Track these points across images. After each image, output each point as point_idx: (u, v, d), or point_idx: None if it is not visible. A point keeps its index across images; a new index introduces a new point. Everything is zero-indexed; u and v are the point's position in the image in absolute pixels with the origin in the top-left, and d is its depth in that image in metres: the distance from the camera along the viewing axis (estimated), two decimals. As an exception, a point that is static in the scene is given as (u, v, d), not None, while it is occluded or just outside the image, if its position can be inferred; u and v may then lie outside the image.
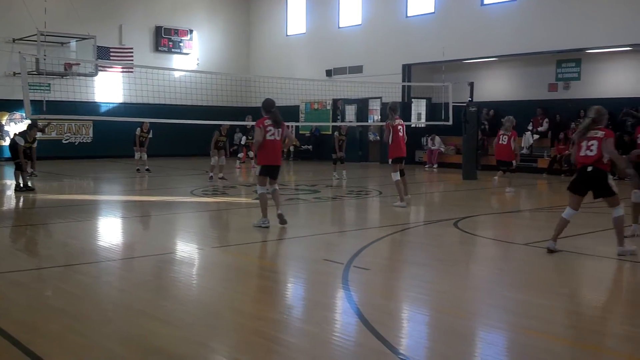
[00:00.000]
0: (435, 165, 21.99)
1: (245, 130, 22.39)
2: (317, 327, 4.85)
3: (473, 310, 5.45)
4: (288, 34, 27.95)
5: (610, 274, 6.88)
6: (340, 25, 25.65)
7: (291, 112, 25.19)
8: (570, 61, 20.04)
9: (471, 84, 18.50)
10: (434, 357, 4.39)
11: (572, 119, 19.14)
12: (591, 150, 7.09)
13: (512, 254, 7.83)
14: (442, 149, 22.42)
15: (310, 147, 26.06)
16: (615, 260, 7.23)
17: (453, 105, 18.55)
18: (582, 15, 18.12)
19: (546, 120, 20.13)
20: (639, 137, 9.43)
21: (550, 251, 7.23)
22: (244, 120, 19.22)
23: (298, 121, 26.15)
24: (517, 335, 4.80)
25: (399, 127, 11.56)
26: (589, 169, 7.12)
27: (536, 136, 20.12)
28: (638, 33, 17.03)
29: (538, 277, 6.59)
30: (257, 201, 9.45)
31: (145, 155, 19.15)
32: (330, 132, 24.91)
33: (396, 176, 11.48)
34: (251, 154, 18.15)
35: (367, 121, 24.49)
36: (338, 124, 21.19)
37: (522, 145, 19.00)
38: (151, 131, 19.25)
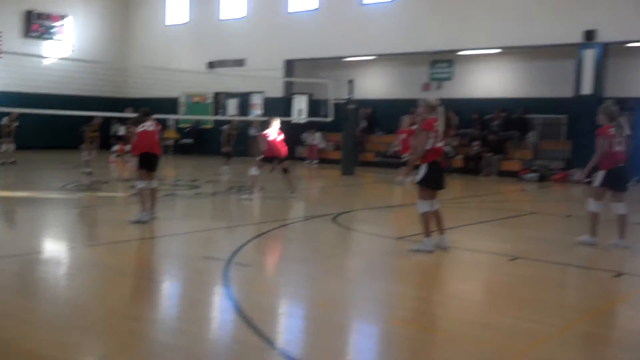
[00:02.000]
0: (315, 161, 22.34)
1: (123, 122, 21.65)
2: (195, 326, 4.82)
3: (348, 302, 5.64)
4: (167, 23, 27.28)
5: (479, 266, 7.32)
6: (222, 17, 25.39)
7: (171, 105, 24.67)
8: (444, 62, 21.04)
9: (351, 82, 18.96)
10: (311, 350, 4.50)
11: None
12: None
13: (386, 248, 8.13)
14: (322, 145, 22.82)
15: (191, 140, 25.64)
16: (484, 254, 7.73)
17: (333, 102, 18.93)
18: (456, 18, 19.06)
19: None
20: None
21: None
22: (122, 112, 18.58)
23: (178, 114, 25.64)
24: (388, 326, 5.03)
25: (268, 135, 11.95)
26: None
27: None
28: (506, 37, 18.17)
29: (409, 270, 6.90)
30: (134, 197, 9.20)
31: (13, 147, 18.06)
32: (211, 126, 24.64)
33: (253, 171, 11.95)
34: (127, 147, 17.63)
35: (249, 115, 24.44)
36: (221, 118, 20.99)
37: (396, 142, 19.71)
38: (18, 120, 18.17)
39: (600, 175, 7.93)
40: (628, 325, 5.16)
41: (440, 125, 7.35)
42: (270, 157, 12.08)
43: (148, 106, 9.86)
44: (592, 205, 8.02)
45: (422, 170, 7.29)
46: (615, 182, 7.91)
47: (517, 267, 7.11)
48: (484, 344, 4.55)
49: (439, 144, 7.32)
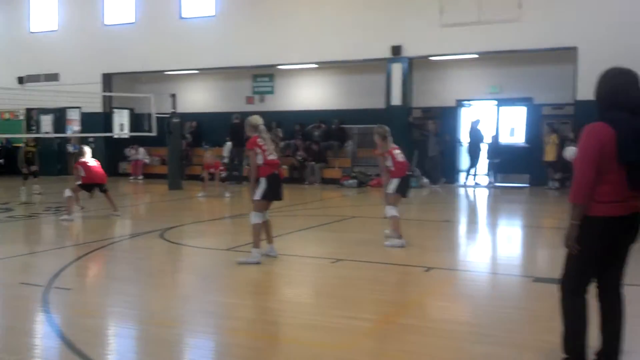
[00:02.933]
0: (140, 177, 21.76)
1: None
2: (16, 355, 4.58)
3: (179, 318, 5.64)
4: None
5: (306, 270, 7.64)
6: (32, 30, 23.92)
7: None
8: (265, 76, 21.54)
9: (173, 96, 18.74)
10: (142, 368, 4.48)
11: (269, 130, 20.54)
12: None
13: (216, 260, 8.20)
14: (147, 160, 22.28)
15: (1, 161, 23.77)
16: (310, 258, 8.08)
17: (156, 116, 18.60)
18: (274, 34, 19.60)
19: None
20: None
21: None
22: None
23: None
24: (221, 337, 5.13)
25: (87, 162, 11.70)
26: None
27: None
28: (321, 52, 19.02)
29: (239, 280, 7.04)
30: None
31: None
32: (22, 144, 23.08)
33: (67, 192, 11.55)
34: None
35: (65, 132, 23.21)
36: (31, 135, 19.74)
37: (224, 155, 19.85)
38: None
39: (394, 183, 8.78)
40: (440, 315, 5.70)
41: (266, 140, 7.64)
42: (90, 184, 11.78)
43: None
44: (392, 211, 8.77)
45: (262, 185, 7.52)
46: (403, 189, 8.87)
47: (340, 269, 7.53)
48: (311, 345, 4.82)
49: (271, 157, 7.58)
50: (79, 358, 4.46)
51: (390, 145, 9.00)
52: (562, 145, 16.09)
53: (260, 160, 7.53)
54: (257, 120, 7.80)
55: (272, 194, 7.63)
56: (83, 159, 11.83)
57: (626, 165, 3.75)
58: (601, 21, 15.85)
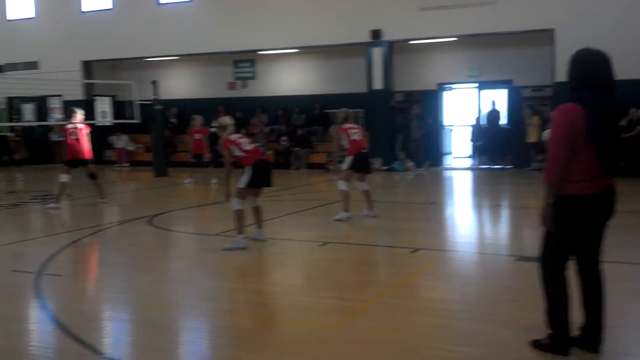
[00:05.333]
0: (126, 164, 21.70)
1: None
2: (11, 341, 4.66)
3: (170, 301, 5.74)
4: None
5: (294, 254, 7.75)
6: (9, 17, 23.63)
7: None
8: (246, 61, 21.49)
9: (155, 82, 18.66)
10: (135, 351, 4.58)
11: (251, 115, 20.62)
12: None
13: (205, 245, 8.29)
14: (131, 148, 22.20)
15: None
16: (298, 242, 8.20)
17: (139, 103, 18.52)
18: (254, 19, 19.51)
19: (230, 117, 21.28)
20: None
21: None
22: None
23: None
24: (213, 319, 5.24)
25: (72, 130, 11.48)
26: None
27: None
28: (302, 37, 18.99)
29: (229, 264, 7.14)
30: None
31: None
32: (7, 134, 22.92)
33: (63, 178, 11.51)
34: None
35: (48, 120, 23.02)
36: (15, 124, 19.60)
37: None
38: None
39: (347, 160, 9.47)
40: (426, 294, 5.84)
41: (237, 136, 7.77)
42: (74, 161, 11.58)
43: None
44: (342, 185, 9.49)
45: (246, 174, 7.56)
46: (360, 166, 9.54)
47: (328, 251, 7.66)
48: (300, 324, 4.94)
49: (248, 147, 7.62)
50: (74, 342, 4.55)
51: (347, 125, 9.61)
52: (543, 127, 16.31)
53: (238, 152, 7.58)
54: (226, 120, 7.94)
55: (258, 181, 7.67)
56: (69, 125, 11.45)
57: (595, 144, 3.86)
58: (578, 3, 15.98)
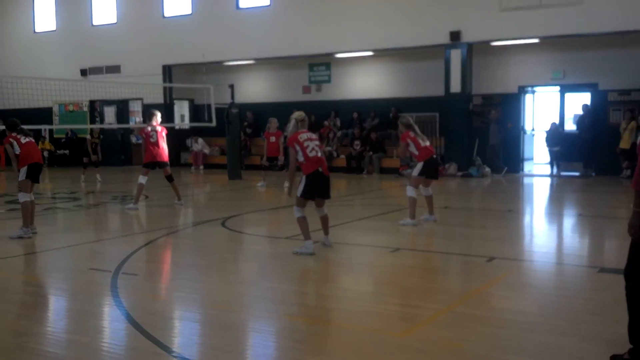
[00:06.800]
0: (201, 167, 22.18)
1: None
2: (86, 337, 4.78)
3: (241, 303, 5.77)
4: (36, 30, 26.07)
5: (364, 259, 7.66)
6: (94, 23, 24.62)
7: (44, 115, 23.61)
8: (321, 65, 21.55)
9: (232, 86, 18.98)
10: (206, 351, 4.60)
11: (325, 118, 20.67)
12: None
13: (275, 248, 8.31)
14: (206, 151, 22.67)
15: (67, 151, 24.64)
16: (368, 247, 8.10)
17: (215, 107, 18.89)
18: (329, 22, 19.58)
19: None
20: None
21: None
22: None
23: (52, 124, 24.58)
24: (281, 322, 5.21)
25: (151, 132, 11.72)
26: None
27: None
28: (377, 40, 18.90)
29: (299, 267, 7.11)
30: (15, 212, 8.85)
31: None
32: (86, 136, 23.85)
33: (141, 179, 11.74)
34: None
35: (129, 123, 23.83)
36: (95, 126, 20.37)
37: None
38: None
39: (418, 167, 9.47)
40: (501, 304, 5.61)
41: (307, 136, 7.46)
42: (152, 163, 11.81)
43: (19, 117, 9.46)
44: (411, 192, 9.43)
45: (302, 183, 7.41)
46: (430, 172, 9.52)
47: (399, 257, 7.52)
48: (370, 331, 4.84)
49: (312, 154, 7.36)
50: (146, 339, 4.62)
51: (413, 133, 9.56)
52: (637, 132, 15.52)
53: (300, 157, 7.39)
54: (299, 115, 7.67)
55: (313, 192, 7.44)
56: (148, 129, 11.70)
57: None
58: (669, 2, 15.22)
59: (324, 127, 20.30)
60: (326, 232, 7.84)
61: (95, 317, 5.38)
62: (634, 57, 16.08)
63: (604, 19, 15.85)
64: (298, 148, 7.39)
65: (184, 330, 5.07)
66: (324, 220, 7.76)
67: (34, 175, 8.81)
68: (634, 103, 16.59)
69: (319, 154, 7.45)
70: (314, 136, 7.62)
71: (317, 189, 7.45)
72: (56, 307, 5.86)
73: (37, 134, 21.00)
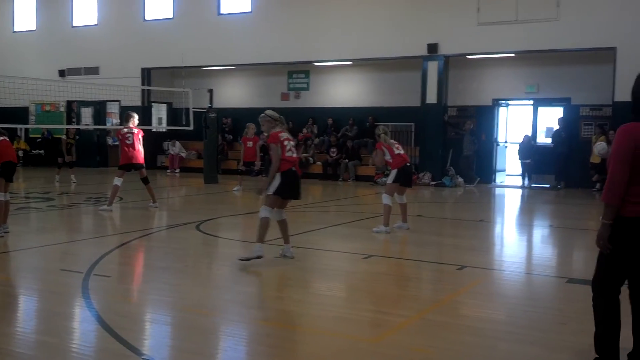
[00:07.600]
0: (177, 170, 22.10)
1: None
2: (55, 338, 4.75)
3: (213, 307, 5.77)
4: (16, 29, 25.82)
5: (337, 265, 7.70)
6: (74, 24, 24.44)
7: (20, 114, 23.36)
8: (300, 72, 21.64)
9: (210, 91, 18.97)
10: (176, 354, 4.60)
11: (303, 125, 20.74)
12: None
13: (250, 253, 8.30)
14: (183, 154, 22.60)
15: (42, 151, 24.38)
16: (341, 253, 8.15)
17: (193, 111, 18.85)
18: (310, 30, 19.69)
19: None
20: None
21: None
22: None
23: (28, 123, 24.31)
24: (253, 326, 5.23)
25: (128, 134, 11.76)
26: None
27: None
28: (356, 49, 19.05)
29: (272, 272, 7.14)
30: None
31: None
32: (61, 136, 23.66)
33: (116, 181, 11.72)
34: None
35: (106, 124, 23.66)
36: (72, 126, 20.22)
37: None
38: None
39: (393, 174, 9.62)
40: (471, 313, 5.70)
41: (286, 136, 7.48)
42: (127, 165, 11.81)
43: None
44: (386, 199, 9.53)
45: (276, 180, 7.30)
46: (404, 179, 9.67)
47: (372, 264, 7.58)
48: (342, 337, 4.89)
49: (289, 154, 7.34)
50: (116, 341, 4.61)
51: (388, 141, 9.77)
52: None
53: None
54: (274, 114, 7.69)
55: (287, 191, 7.34)
56: (125, 130, 11.79)
57: None
58: (641, 21, 15.57)
59: (302, 134, 20.37)
60: (287, 240, 7.58)
61: (66, 318, 5.35)
62: (606, 73, 16.40)
63: (578, 35, 16.16)
64: (279, 145, 7.35)
65: (154, 333, 5.07)
66: (284, 225, 7.53)
67: (7, 174, 8.73)
68: (605, 118, 16.91)
69: (294, 155, 7.50)
70: (291, 137, 7.65)
71: (292, 187, 7.41)
72: (26, 307, 5.81)
73: (12, 133, 20.76)
